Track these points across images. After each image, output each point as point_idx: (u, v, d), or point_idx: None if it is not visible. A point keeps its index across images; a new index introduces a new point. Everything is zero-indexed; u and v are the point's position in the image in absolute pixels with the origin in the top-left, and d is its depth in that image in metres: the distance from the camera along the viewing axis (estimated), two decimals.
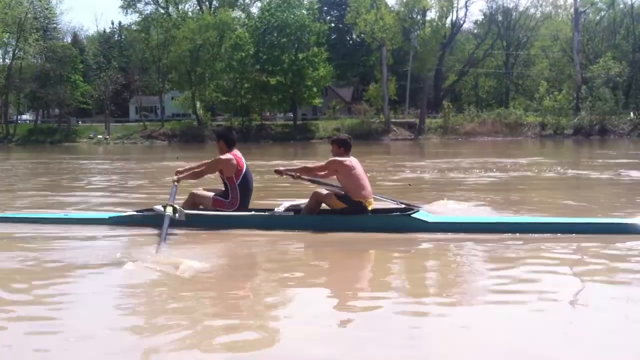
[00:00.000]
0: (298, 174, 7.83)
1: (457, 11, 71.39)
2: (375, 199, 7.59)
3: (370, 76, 68.23)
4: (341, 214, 7.22)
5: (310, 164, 7.90)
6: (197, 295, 4.68)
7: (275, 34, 56.48)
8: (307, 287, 5.00)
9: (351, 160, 7.36)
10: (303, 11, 58.27)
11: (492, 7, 73.46)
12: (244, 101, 58.16)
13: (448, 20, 71.02)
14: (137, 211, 7.89)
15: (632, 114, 57.67)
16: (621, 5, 69.43)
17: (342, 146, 7.48)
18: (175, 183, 7.74)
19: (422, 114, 58.51)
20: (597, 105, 54.87)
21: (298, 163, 14.48)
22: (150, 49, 61.10)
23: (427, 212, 7.41)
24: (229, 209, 7.48)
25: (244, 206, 7.55)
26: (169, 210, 7.07)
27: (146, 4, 67.03)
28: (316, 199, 7.35)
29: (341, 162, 7.30)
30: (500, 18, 73.62)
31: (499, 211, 8.63)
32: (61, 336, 3.78)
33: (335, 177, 7.56)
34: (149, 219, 7.42)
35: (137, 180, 16.46)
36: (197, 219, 7.35)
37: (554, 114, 55.90)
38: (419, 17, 57.97)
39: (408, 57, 60.23)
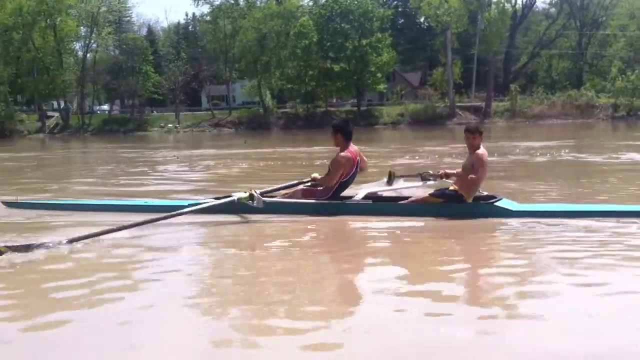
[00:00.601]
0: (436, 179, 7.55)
1: None
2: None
3: (437, 60, 67.45)
4: None
5: (472, 174, 7.04)
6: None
7: (339, 21, 56.64)
8: (398, 271, 5.05)
9: (485, 154, 7.11)
10: None
11: None
12: (309, 88, 58.64)
13: (518, 1, 69.72)
14: (215, 198, 7.72)
15: None
16: None
17: (479, 134, 7.11)
18: (305, 180, 7.76)
19: (489, 97, 57.53)
20: None
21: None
22: (217, 39, 62.22)
23: (510, 201, 7.18)
24: (319, 197, 7.46)
25: (335, 197, 7.50)
26: (240, 195, 7.15)
27: None
28: (411, 200, 7.29)
29: (484, 156, 7.03)
30: None
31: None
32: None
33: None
34: (226, 206, 7.27)
35: (213, 169, 16.87)
36: (276, 207, 7.35)
37: (627, 95, 53.99)
38: None
39: (474, 39, 59.24)
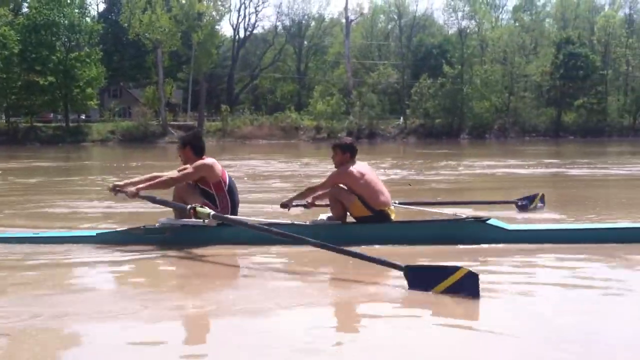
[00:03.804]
0: (309, 202, 6.67)
1: (248, 17, 72.72)
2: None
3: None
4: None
5: (313, 184, 6.67)
6: None
7: (44, 33, 53.85)
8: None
9: (358, 167, 6.25)
10: (75, 10, 55.97)
11: (281, 13, 75.31)
12: (10, 102, 54.88)
13: (242, 25, 72.29)
14: (139, 227, 6.33)
15: (401, 118, 61.44)
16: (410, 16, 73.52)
17: (348, 151, 6.34)
18: (137, 197, 6.15)
19: (201, 117, 58.55)
20: (364, 110, 57.83)
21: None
22: None
23: (499, 220, 6.17)
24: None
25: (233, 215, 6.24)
26: (202, 212, 5.66)
27: None
28: (335, 198, 6.18)
29: (345, 172, 6.19)
30: (289, 24, 75.45)
31: None
32: None
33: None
34: (151, 235, 6.09)
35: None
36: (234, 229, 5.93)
37: (327, 118, 58.07)
38: (196, 21, 57.57)
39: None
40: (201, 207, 5.75)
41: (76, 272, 5.44)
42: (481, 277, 4.17)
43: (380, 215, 6.13)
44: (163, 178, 6.31)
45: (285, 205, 6.67)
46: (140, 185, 6.20)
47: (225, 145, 49.14)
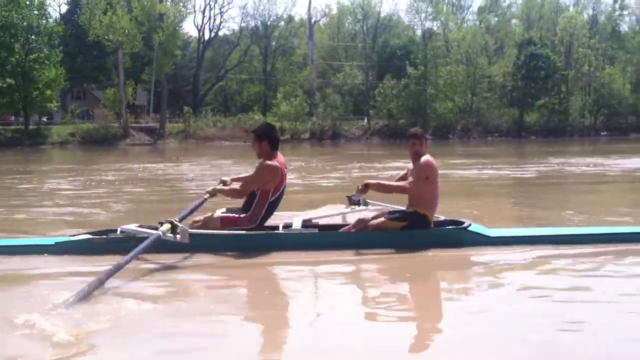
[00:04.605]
0: (362, 187, 6.07)
1: (213, 18, 72.50)
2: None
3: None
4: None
5: (403, 182, 6.10)
6: None
7: (1, 34, 52.97)
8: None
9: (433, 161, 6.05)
10: (34, 11, 55.12)
11: (246, 14, 75.11)
12: None
13: (207, 26, 71.91)
14: (93, 233, 6.01)
15: (365, 119, 61.47)
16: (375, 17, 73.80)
17: (427, 141, 6.10)
18: (206, 196, 6.05)
19: (162, 119, 57.90)
20: (327, 112, 57.73)
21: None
22: None
23: (480, 226, 6.10)
24: (244, 226, 5.84)
25: (261, 225, 5.97)
26: (165, 228, 5.32)
27: None
28: (360, 227, 5.94)
29: (433, 163, 5.95)
30: (253, 25, 75.14)
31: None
32: None
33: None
34: (114, 245, 5.66)
35: None
36: (207, 241, 5.66)
37: (291, 120, 57.87)
38: (158, 22, 56.93)
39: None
40: (170, 222, 5.41)
41: (30, 284, 5.01)
42: (458, 284, 4.77)
43: (421, 221, 5.89)
44: (227, 188, 6.20)
45: (353, 202, 6.52)
46: (222, 188, 6.22)
47: (187, 147, 48.86)
